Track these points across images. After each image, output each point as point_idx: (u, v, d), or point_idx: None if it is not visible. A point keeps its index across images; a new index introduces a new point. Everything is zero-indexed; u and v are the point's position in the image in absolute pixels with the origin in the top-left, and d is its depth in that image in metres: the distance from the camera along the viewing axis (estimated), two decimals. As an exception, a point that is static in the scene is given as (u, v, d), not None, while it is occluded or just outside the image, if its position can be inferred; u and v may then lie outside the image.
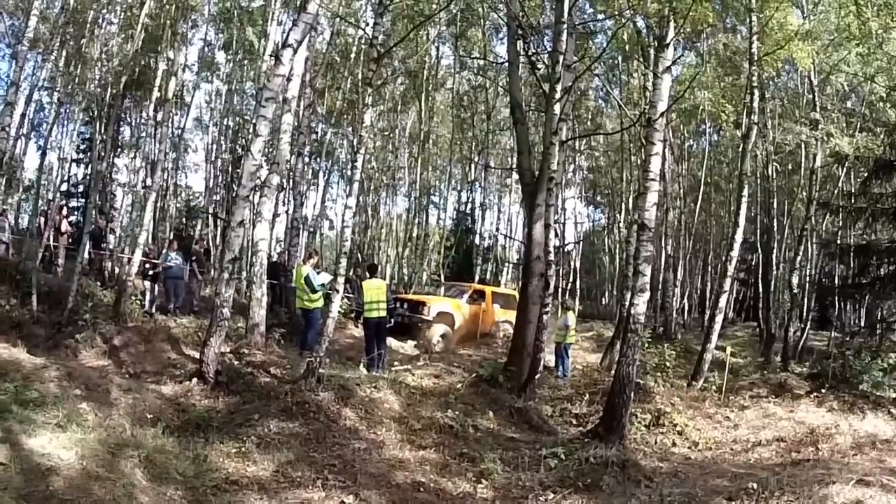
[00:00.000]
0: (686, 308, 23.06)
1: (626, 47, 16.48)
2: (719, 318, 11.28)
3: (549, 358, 10.50)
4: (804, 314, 15.95)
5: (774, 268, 17.85)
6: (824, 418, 8.11)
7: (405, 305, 13.46)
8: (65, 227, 12.79)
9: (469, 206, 27.88)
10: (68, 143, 22.11)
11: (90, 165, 21.54)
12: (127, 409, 5.78)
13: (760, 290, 18.61)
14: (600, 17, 14.14)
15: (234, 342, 8.82)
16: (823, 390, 9.09)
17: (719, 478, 5.67)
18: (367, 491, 4.94)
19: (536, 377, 8.68)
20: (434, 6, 15.57)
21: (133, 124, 23.32)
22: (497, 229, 27.51)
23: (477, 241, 26.81)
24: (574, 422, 8.18)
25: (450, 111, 24.06)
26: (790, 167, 18.56)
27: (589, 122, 22.79)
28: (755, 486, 4.74)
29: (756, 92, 11.34)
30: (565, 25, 8.85)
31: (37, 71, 15.53)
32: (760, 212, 19.75)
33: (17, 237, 12.49)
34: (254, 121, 8.61)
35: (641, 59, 14.49)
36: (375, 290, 9.37)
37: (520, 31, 10.70)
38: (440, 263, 24.13)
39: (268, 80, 8.13)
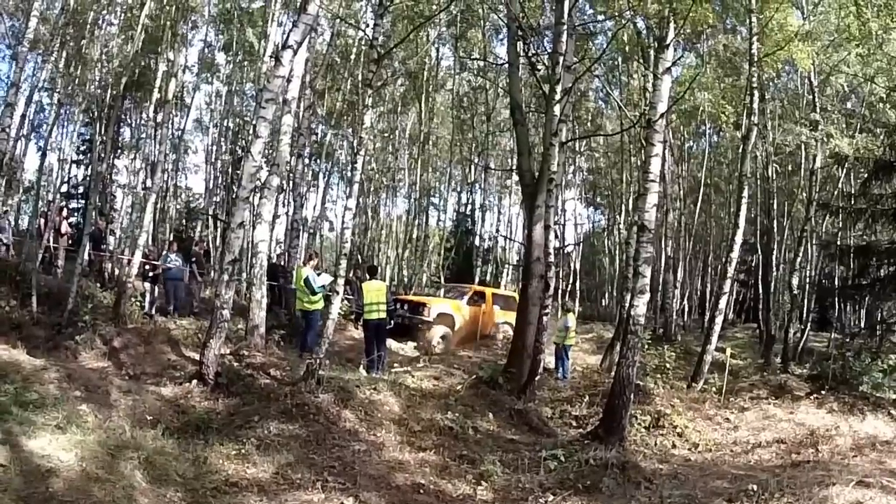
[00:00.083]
0: (686, 309, 23.05)
1: (626, 48, 16.49)
2: (719, 320, 11.28)
3: (549, 359, 10.50)
4: (804, 315, 15.93)
5: (774, 269, 17.82)
6: (824, 420, 8.11)
7: (405, 306, 13.46)
8: (65, 228, 12.77)
9: (469, 207, 27.96)
10: (68, 144, 22.17)
11: (90, 167, 21.59)
12: (127, 411, 5.77)
13: (760, 291, 18.57)
14: (600, 18, 14.19)
15: (234, 344, 8.80)
16: (823, 392, 9.09)
17: (719, 479, 5.67)
18: (366, 493, 4.94)
19: (536, 379, 8.68)
20: (434, 7, 15.59)
21: (133, 125, 23.34)
22: (497, 231, 27.52)
23: (477, 242, 26.83)
24: (574, 423, 8.19)
25: (450, 112, 24.05)
26: (790, 168, 18.55)
27: (589, 124, 22.81)
28: (755, 487, 4.74)
29: (756, 93, 11.35)
30: (565, 26, 8.86)
31: (37, 72, 15.53)
32: (760, 213, 19.73)
33: (18, 238, 12.49)
34: (254, 122, 8.61)
35: (641, 61, 14.50)
36: (375, 292, 9.37)
37: (520, 33, 10.71)
38: (440, 265, 24.12)
39: (268, 81, 8.14)
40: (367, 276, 10.29)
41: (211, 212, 22.04)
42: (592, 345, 15.62)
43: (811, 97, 14.20)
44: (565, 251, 22.21)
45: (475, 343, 13.45)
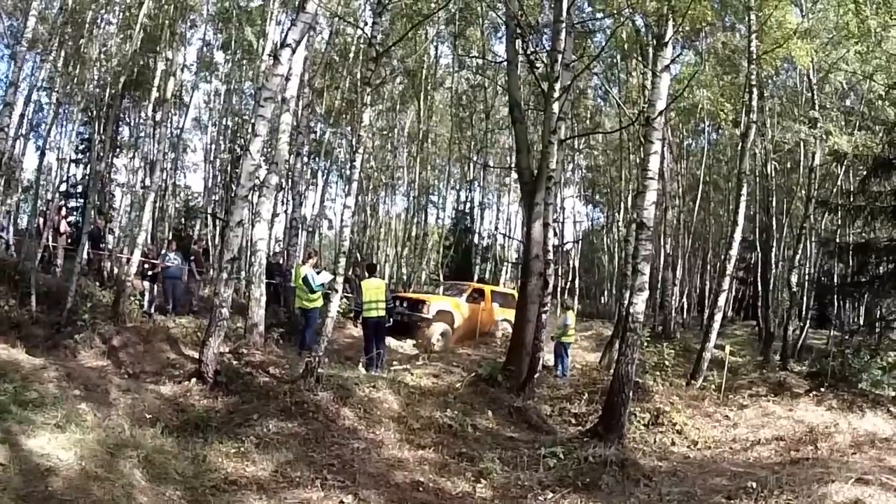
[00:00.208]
0: (685, 307, 23.08)
1: (625, 46, 16.46)
2: (718, 317, 11.30)
3: (548, 357, 10.50)
4: (803, 313, 15.96)
5: (773, 266, 17.84)
6: (823, 417, 8.13)
7: (405, 304, 13.45)
8: (64, 227, 12.77)
9: (468, 205, 27.96)
10: (67, 143, 22.09)
11: (89, 166, 21.55)
12: (126, 410, 5.78)
13: (759, 288, 18.59)
14: (599, 15, 14.14)
15: (233, 342, 8.81)
16: (822, 389, 9.11)
17: (718, 477, 5.68)
18: (366, 490, 4.94)
19: (535, 376, 8.68)
20: (433, 5, 15.57)
21: (132, 124, 23.30)
22: (496, 228, 27.58)
23: (476, 240, 26.81)
24: (573, 421, 8.19)
25: (448, 110, 24.04)
26: (789, 165, 18.57)
27: (588, 121, 22.80)
28: (754, 484, 4.75)
29: (755, 90, 11.35)
30: (564, 24, 8.87)
31: (35, 71, 15.48)
32: (759, 210, 19.72)
33: (17, 238, 12.48)
34: (252, 120, 8.59)
35: (640, 58, 14.50)
36: (374, 290, 9.37)
37: (518, 30, 10.69)
38: (439, 263, 24.12)
39: (266, 79, 8.14)
40: (367, 274, 10.29)
41: (210, 210, 22.02)
42: (591, 342, 15.65)
43: (810, 94, 14.21)
44: (564, 249, 22.21)
45: (474, 340, 13.43)
